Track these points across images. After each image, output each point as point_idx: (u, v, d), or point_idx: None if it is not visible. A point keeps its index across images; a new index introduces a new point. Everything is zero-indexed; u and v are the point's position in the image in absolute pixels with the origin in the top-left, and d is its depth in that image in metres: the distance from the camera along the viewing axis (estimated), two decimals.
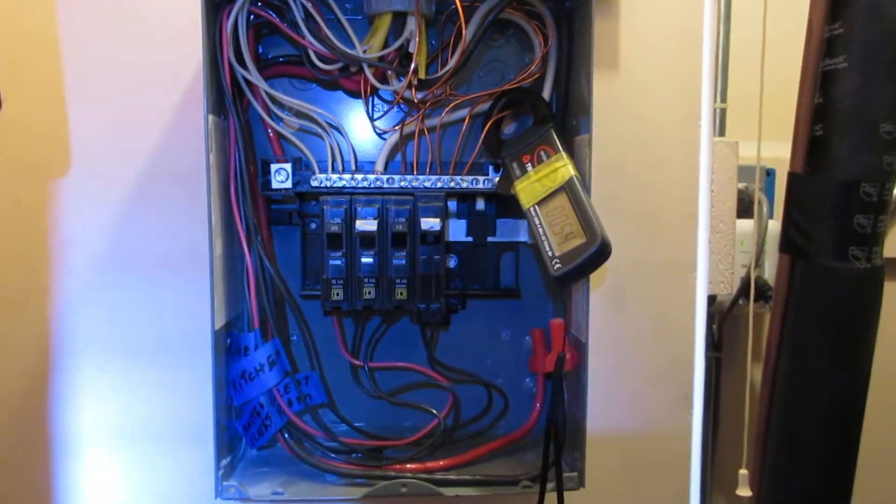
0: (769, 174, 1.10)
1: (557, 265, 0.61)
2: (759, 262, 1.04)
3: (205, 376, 0.64)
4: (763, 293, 1.02)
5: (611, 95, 0.77)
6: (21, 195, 0.75)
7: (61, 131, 0.74)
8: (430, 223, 0.66)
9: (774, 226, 1.01)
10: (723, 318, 1.09)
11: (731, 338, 1.14)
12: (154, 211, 0.75)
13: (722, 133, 1.05)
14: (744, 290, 0.97)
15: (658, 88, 0.79)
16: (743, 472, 0.58)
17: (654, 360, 0.81)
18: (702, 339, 0.81)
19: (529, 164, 0.65)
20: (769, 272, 1.05)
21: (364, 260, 0.66)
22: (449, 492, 0.67)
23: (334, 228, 0.65)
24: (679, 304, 0.81)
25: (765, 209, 1.01)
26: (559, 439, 0.64)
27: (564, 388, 0.70)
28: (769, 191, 1.10)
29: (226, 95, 0.65)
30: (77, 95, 0.74)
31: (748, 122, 0.89)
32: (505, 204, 0.72)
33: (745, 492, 0.57)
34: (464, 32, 0.63)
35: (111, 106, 0.74)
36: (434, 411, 0.72)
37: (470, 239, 0.74)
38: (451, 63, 0.68)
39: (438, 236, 0.66)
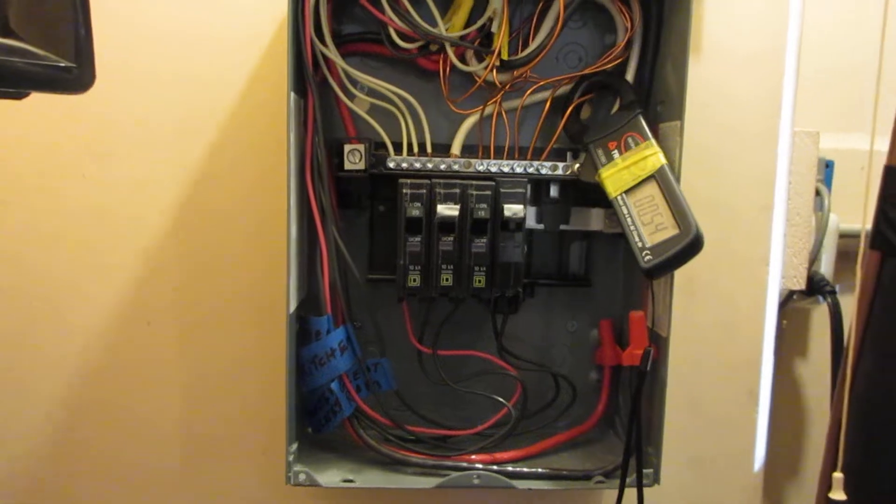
0: (828, 166, 1.08)
1: (648, 257, 0.59)
2: (816, 256, 1.02)
3: None
4: (820, 288, 1.00)
5: (689, 82, 0.75)
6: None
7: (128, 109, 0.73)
8: (513, 210, 0.64)
9: (834, 219, 0.99)
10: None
11: (783, 333, 1.12)
12: None
13: None
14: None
15: (737, 76, 0.76)
16: (837, 475, 0.56)
17: (720, 354, 0.79)
18: (772, 334, 0.79)
19: (616, 151, 0.63)
20: (825, 267, 1.03)
21: (443, 246, 0.64)
22: (521, 484, 0.65)
23: (415, 213, 0.63)
24: (748, 297, 0.79)
25: (826, 202, 0.99)
26: (640, 435, 0.62)
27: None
28: (827, 183, 1.08)
29: (306, 72, 0.63)
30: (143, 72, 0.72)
31: (808, 112, 0.87)
32: (581, 191, 0.70)
33: (838, 495, 0.56)
34: (561, 14, 0.61)
35: (177, 85, 0.73)
36: (502, 400, 0.71)
37: (540, 226, 0.72)
38: (534, 46, 0.66)
39: (520, 223, 0.64)
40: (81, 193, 0.73)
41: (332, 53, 0.64)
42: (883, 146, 0.65)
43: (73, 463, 0.76)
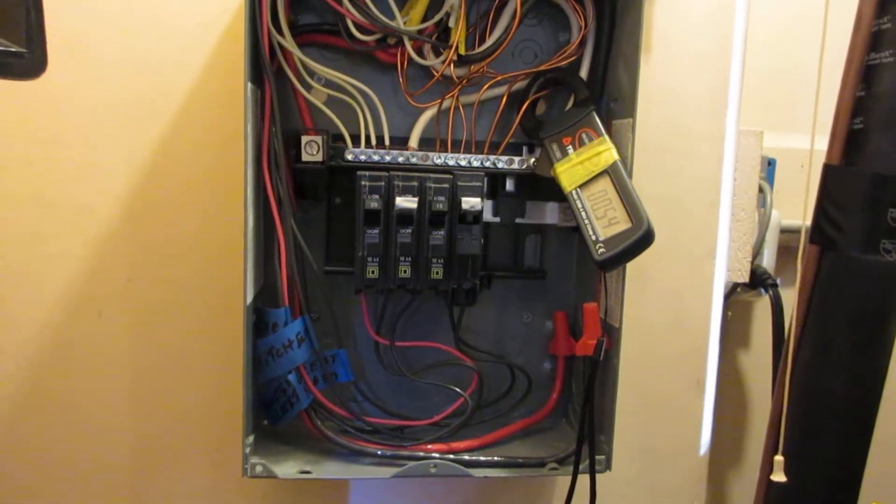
0: (770, 164, 1.12)
1: (602, 249, 0.61)
2: (758, 250, 1.05)
3: None
4: (762, 281, 1.03)
5: (640, 81, 0.77)
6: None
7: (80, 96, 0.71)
8: (470, 203, 0.65)
9: (776, 215, 1.03)
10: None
11: (726, 324, 1.16)
12: None
13: None
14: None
15: (686, 76, 0.79)
16: (778, 458, 0.59)
17: (668, 344, 0.82)
18: (717, 325, 0.82)
19: (570, 147, 0.65)
20: (767, 261, 1.07)
21: (401, 238, 0.65)
22: (478, 473, 0.67)
23: (374, 205, 0.63)
24: (695, 289, 0.82)
25: (768, 199, 1.03)
26: (593, 423, 0.64)
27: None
28: (769, 181, 1.12)
29: (263, 62, 0.62)
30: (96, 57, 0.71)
31: (752, 112, 0.90)
32: (536, 186, 0.71)
33: (779, 477, 0.59)
34: (518, 10, 0.62)
35: (127, 69, 0.71)
36: (459, 390, 0.72)
37: (497, 219, 0.73)
38: (491, 41, 0.67)
39: (478, 216, 0.65)
40: (27, 180, 0.71)
41: (289, 44, 0.64)
42: (823, 145, 0.68)
43: (18, 461, 0.74)
